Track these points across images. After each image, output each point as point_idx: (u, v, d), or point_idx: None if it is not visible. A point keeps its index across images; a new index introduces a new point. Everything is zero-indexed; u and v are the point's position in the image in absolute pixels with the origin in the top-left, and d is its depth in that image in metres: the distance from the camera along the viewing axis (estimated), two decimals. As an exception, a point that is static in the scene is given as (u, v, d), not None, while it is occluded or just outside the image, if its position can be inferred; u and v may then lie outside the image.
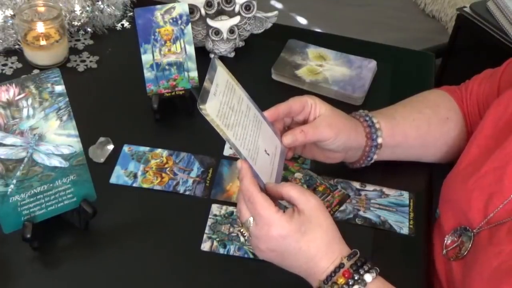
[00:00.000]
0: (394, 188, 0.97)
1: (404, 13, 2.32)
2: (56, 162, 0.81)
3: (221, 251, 0.87)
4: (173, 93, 1.05)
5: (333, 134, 0.86)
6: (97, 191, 0.87)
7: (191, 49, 1.04)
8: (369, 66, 1.19)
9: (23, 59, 1.16)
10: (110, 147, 0.99)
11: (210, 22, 1.15)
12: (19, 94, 0.76)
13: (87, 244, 0.88)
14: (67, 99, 0.79)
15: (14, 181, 0.79)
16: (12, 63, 1.16)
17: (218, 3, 1.14)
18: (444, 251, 0.87)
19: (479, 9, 1.82)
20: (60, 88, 0.78)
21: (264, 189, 0.76)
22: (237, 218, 0.90)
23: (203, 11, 1.14)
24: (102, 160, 0.98)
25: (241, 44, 1.22)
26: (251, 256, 0.86)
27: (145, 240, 0.88)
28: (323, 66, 1.19)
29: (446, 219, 0.88)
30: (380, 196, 0.96)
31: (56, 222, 0.86)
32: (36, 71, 1.13)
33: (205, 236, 0.89)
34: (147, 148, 1.01)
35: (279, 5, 2.34)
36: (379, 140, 0.92)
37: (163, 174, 0.97)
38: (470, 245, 0.81)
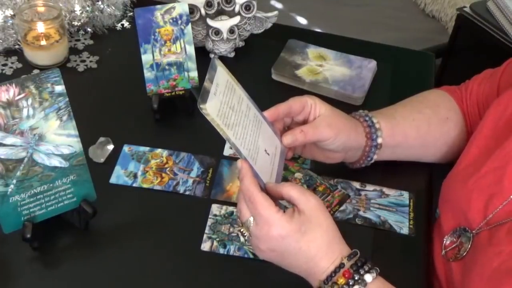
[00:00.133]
0: (394, 188, 0.97)
1: (404, 13, 2.32)
2: (56, 162, 0.81)
3: (221, 251, 0.87)
4: (173, 93, 1.05)
5: (333, 134, 0.86)
6: (97, 191, 0.87)
7: (191, 49, 1.04)
8: (369, 66, 1.18)
9: (23, 59, 1.15)
10: (110, 147, 0.99)
11: (210, 22, 1.15)
12: (19, 94, 0.76)
13: (87, 244, 0.88)
14: (67, 99, 0.79)
15: (14, 181, 0.79)
16: (12, 63, 1.16)
17: (218, 3, 1.14)
18: (443, 252, 0.87)
19: (479, 9, 1.82)
20: (60, 88, 0.78)
21: (264, 189, 0.76)
22: (237, 218, 0.90)
23: (203, 11, 1.14)
24: (102, 160, 0.98)
25: (241, 44, 1.22)
26: (251, 256, 0.86)
27: (145, 240, 0.88)
28: (323, 66, 1.19)
29: (445, 219, 0.88)
30: (380, 196, 0.96)
31: (56, 222, 0.86)
32: (36, 71, 1.13)
33: (205, 236, 0.89)
34: (147, 148, 1.01)
35: (279, 5, 2.34)
36: (379, 140, 0.92)
37: (163, 174, 0.97)
38: (469, 246, 0.81)
